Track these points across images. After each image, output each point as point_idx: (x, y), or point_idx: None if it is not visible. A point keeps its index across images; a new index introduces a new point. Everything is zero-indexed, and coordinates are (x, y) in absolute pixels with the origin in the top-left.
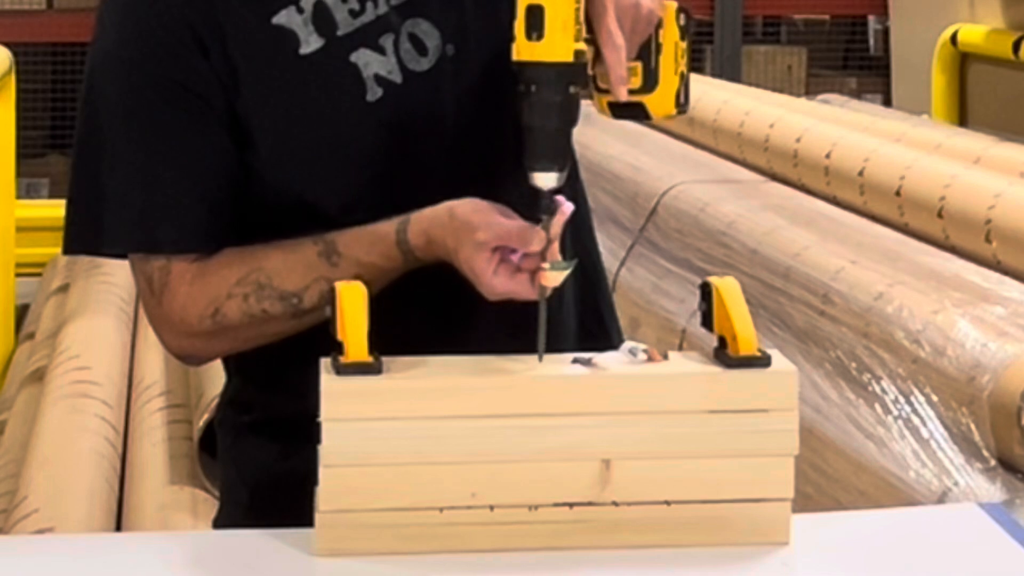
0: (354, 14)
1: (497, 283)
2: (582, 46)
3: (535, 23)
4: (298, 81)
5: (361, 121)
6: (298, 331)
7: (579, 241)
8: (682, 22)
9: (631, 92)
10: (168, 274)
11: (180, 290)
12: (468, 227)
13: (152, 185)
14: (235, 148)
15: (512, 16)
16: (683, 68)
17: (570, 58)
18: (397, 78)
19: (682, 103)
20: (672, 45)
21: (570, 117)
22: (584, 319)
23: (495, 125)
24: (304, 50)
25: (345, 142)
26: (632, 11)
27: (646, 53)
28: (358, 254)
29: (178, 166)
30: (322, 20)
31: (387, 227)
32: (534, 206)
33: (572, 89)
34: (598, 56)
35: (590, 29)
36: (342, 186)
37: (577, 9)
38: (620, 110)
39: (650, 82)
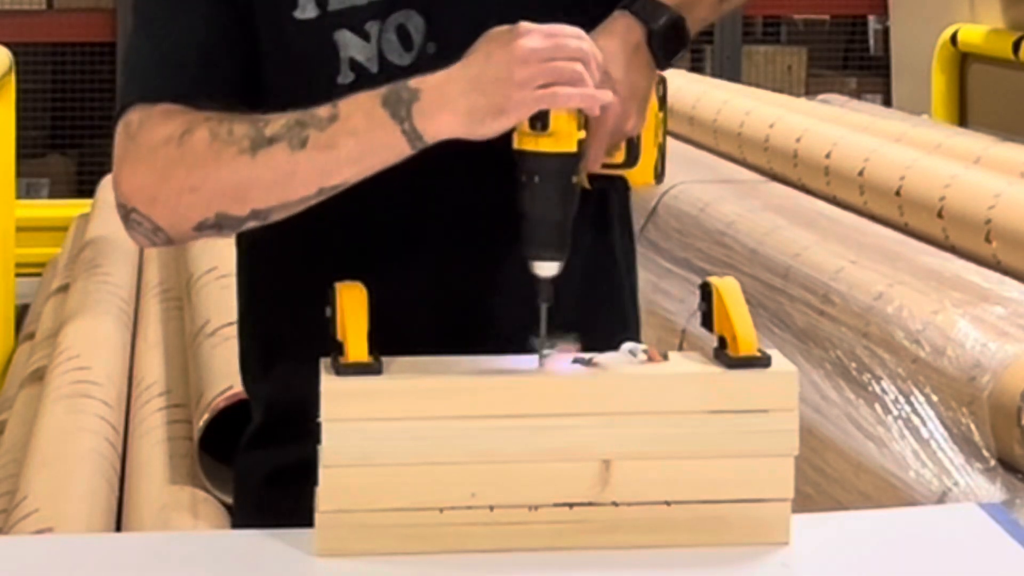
0: None
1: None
2: (583, 134)
3: (540, 115)
4: (285, 42)
5: (331, 99)
6: (256, 194)
7: (618, 281)
8: (660, 93)
9: (613, 167)
10: (151, 115)
11: (157, 121)
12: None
13: (161, 48)
14: (243, 33)
15: (502, 15)
16: (661, 139)
17: (573, 148)
18: (373, 67)
19: (659, 173)
20: (652, 117)
21: (571, 207)
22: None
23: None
24: (299, 15)
25: None
26: (623, 121)
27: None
28: (343, 104)
29: (189, 33)
30: None
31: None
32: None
33: (574, 179)
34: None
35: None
36: None
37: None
38: (599, 181)
39: (632, 157)
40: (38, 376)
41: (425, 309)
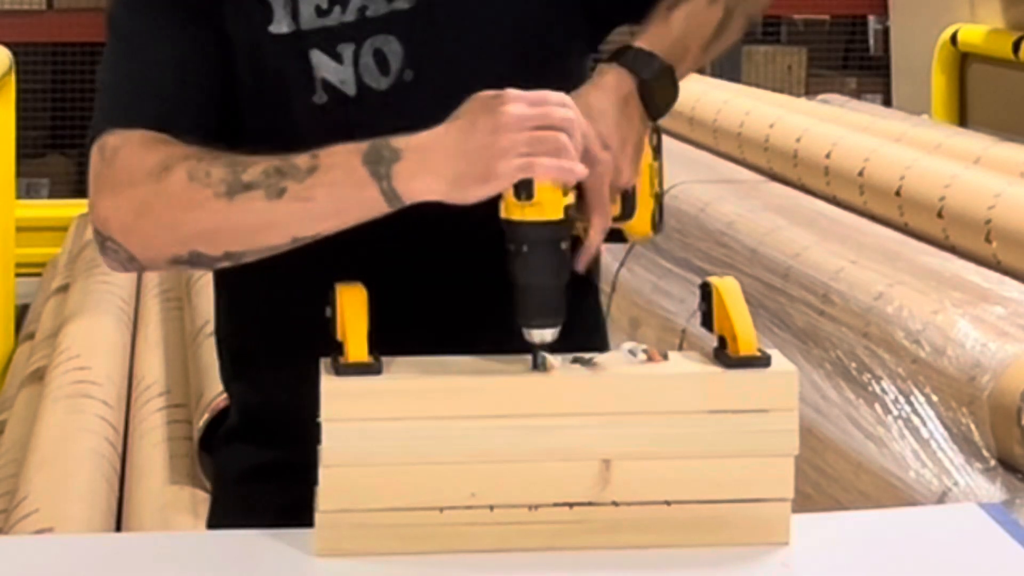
0: (320, 12)
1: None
2: (570, 200)
3: (524, 185)
4: (260, 57)
5: (307, 119)
6: (231, 239)
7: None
8: (655, 142)
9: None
10: (128, 141)
11: (135, 151)
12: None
13: (138, 71)
14: (220, 53)
15: (480, 49)
16: (657, 189)
17: (559, 215)
18: (350, 90)
19: (657, 223)
20: (647, 168)
21: (562, 273)
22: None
23: None
24: (274, 29)
25: (288, 134)
26: (616, 177)
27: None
28: (324, 155)
29: (166, 56)
30: (295, 6)
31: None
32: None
33: (563, 245)
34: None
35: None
36: None
37: None
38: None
39: (628, 210)
40: (38, 376)
41: (398, 320)
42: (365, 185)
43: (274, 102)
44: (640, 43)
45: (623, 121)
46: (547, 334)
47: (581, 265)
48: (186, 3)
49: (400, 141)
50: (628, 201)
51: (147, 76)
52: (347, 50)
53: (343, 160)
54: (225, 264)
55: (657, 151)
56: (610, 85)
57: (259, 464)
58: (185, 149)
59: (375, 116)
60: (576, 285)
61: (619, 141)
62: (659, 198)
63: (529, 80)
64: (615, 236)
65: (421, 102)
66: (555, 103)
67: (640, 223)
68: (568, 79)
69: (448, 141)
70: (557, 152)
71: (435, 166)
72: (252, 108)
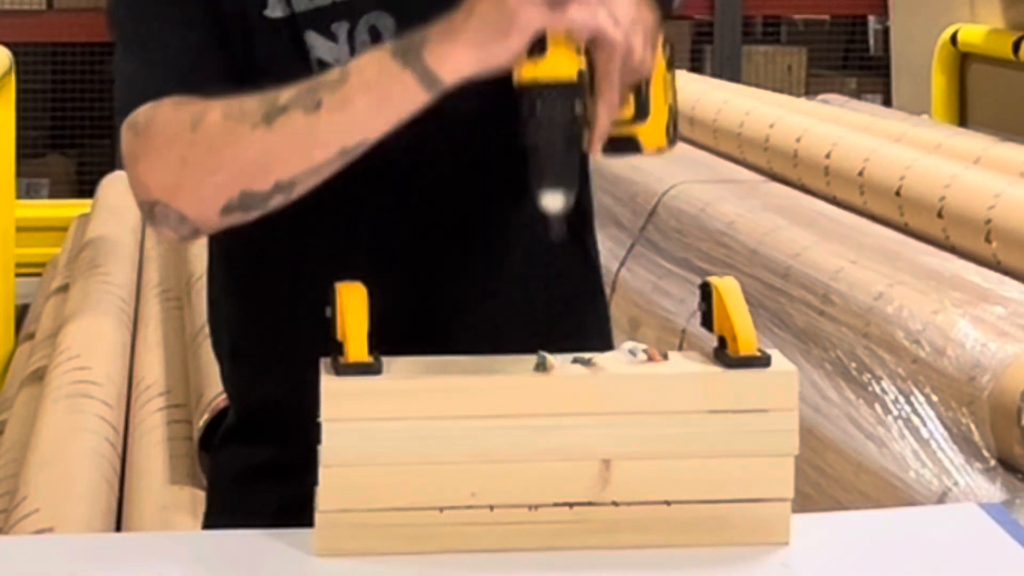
0: None
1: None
2: (583, 62)
3: (537, 42)
4: (255, 42)
5: None
6: (274, 166)
7: (581, 241)
8: (668, 55)
9: (622, 123)
10: (159, 108)
11: (167, 113)
12: None
13: (156, 55)
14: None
15: None
16: (671, 101)
17: (573, 76)
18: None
19: (672, 136)
20: (660, 77)
21: (575, 138)
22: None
23: (450, 133)
24: (268, 13)
25: None
26: (629, 57)
27: (639, 85)
28: (353, 64)
29: (180, 40)
30: None
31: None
32: (496, 220)
33: (577, 109)
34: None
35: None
36: None
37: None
38: (610, 144)
39: (642, 112)
40: (38, 376)
41: (388, 321)
42: (400, 75)
43: (269, 85)
44: None
45: (634, 1)
46: (558, 199)
47: (593, 148)
48: None
49: (424, 29)
50: (641, 101)
51: (163, 57)
52: (341, 29)
53: (374, 59)
54: (278, 200)
55: (670, 64)
56: None
57: (257, 464)
58: (217, 100)
59: None
60: (583, 290)
61: (630, 21)
62: (673, 111)
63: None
64: (630, 146)
65: None
66: None
67: (655, 131)
68: None
69: (467, 13)
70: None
71: (462, 37)
72: (248, 90)
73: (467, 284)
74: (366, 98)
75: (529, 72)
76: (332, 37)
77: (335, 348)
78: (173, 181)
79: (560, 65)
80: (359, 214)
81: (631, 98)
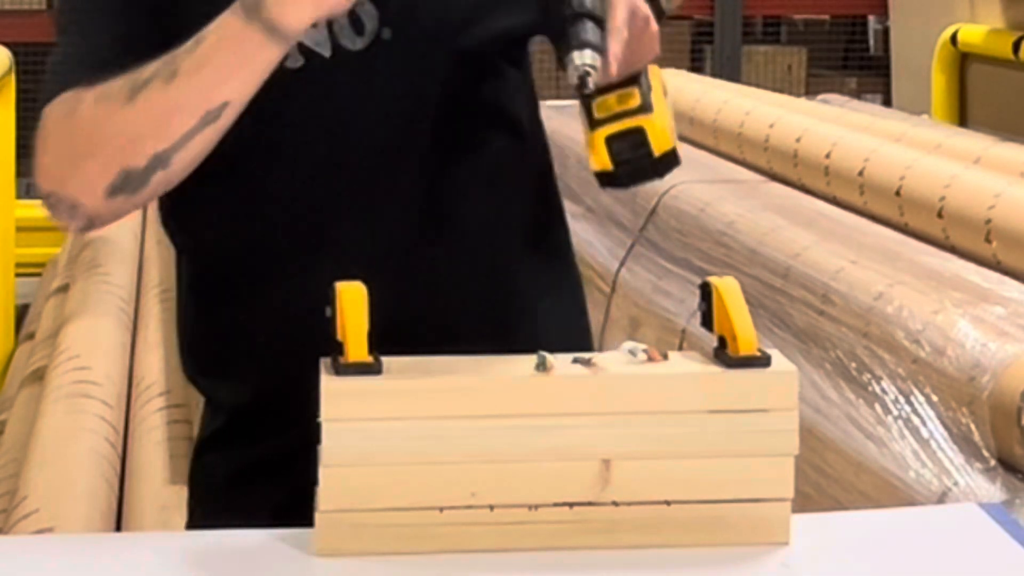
0: None
1: None
2: None
3: None
4: None
5: (285, 84)
6: (142, 140)
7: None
8: (661, 78)
9: (629, 113)
10: (52, 106)
11: (56, 108)
12: None
13: (75, 46)
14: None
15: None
16: (670, 112)
17: None
18: (325, 51)
19: (672, 134)
20: (659, 85)
21: (605, 5)
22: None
23: (431, 115)
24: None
25: (264, 103)
26: (642, 24)
27: (641, 79)
28: (207, 29)
29: (100, 29)
30: None
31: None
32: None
33: None
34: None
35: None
36: (254, 142)
37: None
38: (618, 141)
39: (646, 103)
40: (38, 376)
41: (397, 321)
42: (246, 31)
43: None
44: None
45: None
46: (586, 55)
47: (611, 69)
48: None
49: None
50: (644, 96)
51: (82, 52)
52: None
53: (224, 21)
54: (160, 176)
55: (663, 86)
56: None
57: (249, 464)
58: (94, 86)
59: (352, 76)
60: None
61: None
62: (670, 111)
63: (493, 25)
64: (638, 140)
65: (398, 60)
66: None
67: (660, 129)
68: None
69: None
70: None
71: None
72: None
73: (464, 284)
74: (218, 58)
75: None
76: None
77: (335, 348)
78: (59, 171)
79: None
80: (348, 213)
81: (635, 91)
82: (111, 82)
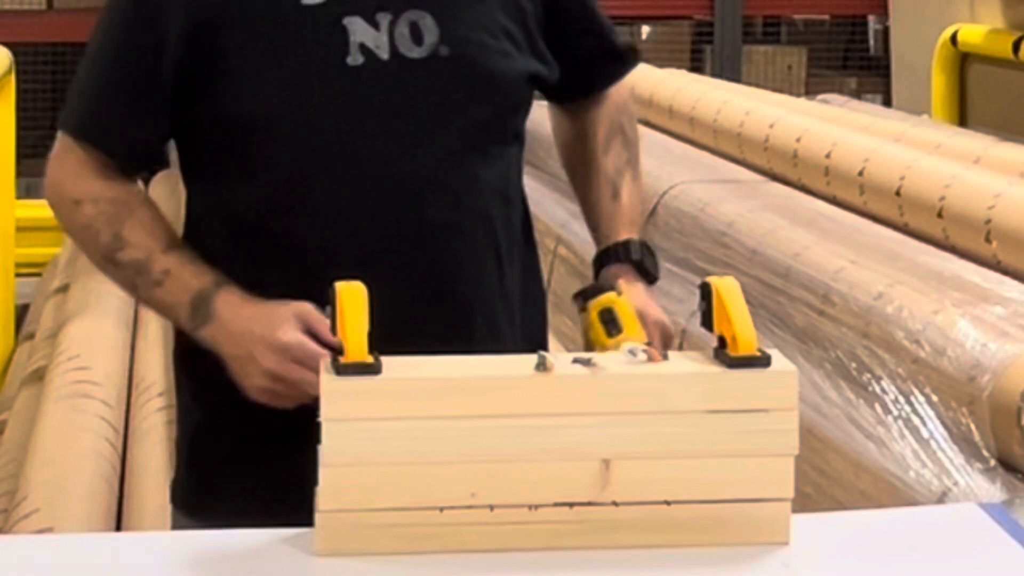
0: None
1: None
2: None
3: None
4: (294, 27)
5: (337, 80)
6: (103, 270)
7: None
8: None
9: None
10: (67, 154)
11: (70, 170)
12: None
13: (99, 76)
14: (173, 84)
15: (498, 26)
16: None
17: None
18: (384, 55)
19: None
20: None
21: None
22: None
23: (471, 125)
24: (305, 1)
25: (316, 96)
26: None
27: None
28: (171, 278)
29: (127, 82)
30: None
31: (204, 279)
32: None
33: None
34: None
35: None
36: (300, 134)
37: None
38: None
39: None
40: (38, 376)
41: (397, 322)
42: (183, 318)
43: (306, 64)
44: (628, 235)
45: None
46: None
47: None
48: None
49: (222, 307)
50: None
51: (106, 91)
52: (384, 19)
53: (180, 296)
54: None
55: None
56: (642, 289)
57: (255, 439)
58: (100, 190)
59: (405, 79)
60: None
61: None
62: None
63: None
64: None
65: (447, 74)
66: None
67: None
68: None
69: (235, 346)
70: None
71: (223, 348)
72: (280, 72)
73: (463, 287)
74: (158, 307)
75: None
76: (375, 25)
77: (335, 348)
78: (54, 205)
79: None
80: (345, 228)
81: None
82: (103, 223)
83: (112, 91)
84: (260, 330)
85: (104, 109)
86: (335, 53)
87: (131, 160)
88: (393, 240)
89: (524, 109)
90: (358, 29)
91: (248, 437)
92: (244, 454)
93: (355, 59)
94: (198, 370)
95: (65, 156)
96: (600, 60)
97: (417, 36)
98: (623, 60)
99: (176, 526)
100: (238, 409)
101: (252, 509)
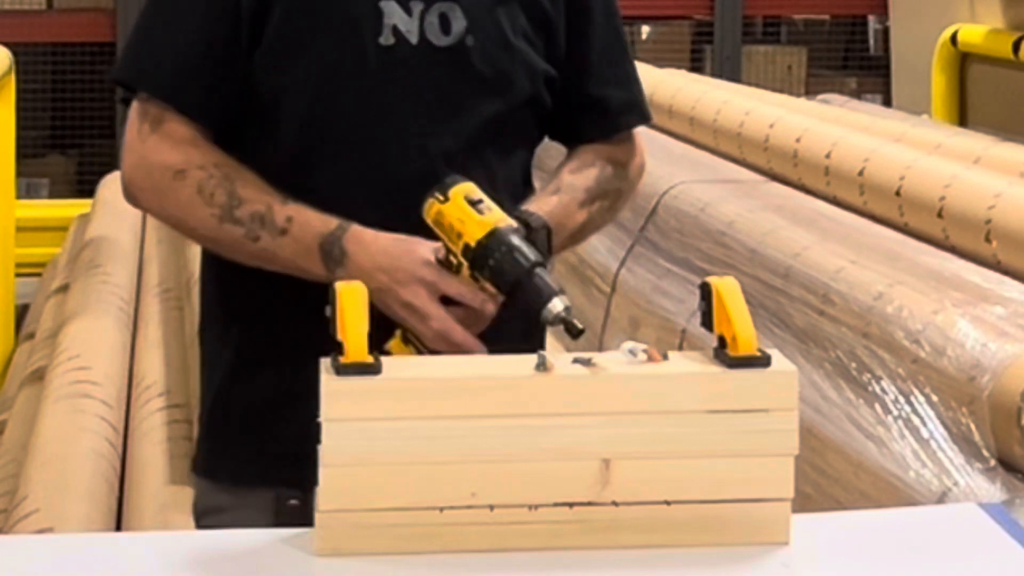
0: None
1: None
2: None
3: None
4: (332, 7)
5: (369, 56)
6: (215, 246)
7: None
8: None
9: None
10: (161, 124)
11: (163, 145)
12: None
13: (173, 35)
14: (247, 45)
15: (520, 28)
16: None
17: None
18: (413, 39)
19: None
20: None
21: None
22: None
23: (490, 116)
24: None
25: (347, 72)
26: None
27: None
28: (296, 224)
29: (216, 48)
30: None
31: (329, 222)
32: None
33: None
34: None
35: None
36: (328, 105)
37: None
38: None
39: None
40: (38, 376)
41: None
42: (316, 264)
43: (341, 40)
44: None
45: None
46: (557, 304)
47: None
48: None
49: (350, 243)
50: None
51: (183, 51)
52: (417, 6)
53: (307, 239)
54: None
55: None
56: None
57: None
58: (202, 156)
59: (431, 63)
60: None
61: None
62: None
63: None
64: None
65: (472, 63)
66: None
67: None
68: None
69: (374, 276)
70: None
71: (363, 276)
72: (317, 45)
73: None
74: (286, 260)
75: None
76: (408, 11)
77: (335, 348)
78: (145, 193)
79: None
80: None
81: None
82: (216, 183)
83: (200, 57)
84: (391, 263)
85: (196, 76)
86: (370, 31)
87: (221, 126)
88: (408, 221)
89: (540, 109)
90: (393, 12)
91: (278, 385)
92: (274, 401)
93: (387, 39)
94: (239, 310)
95: (153, 129)
96: (609, 108)
97: (446, 26)
98: (627, 113)
99: (199, 494)
100: (276, 347)
101: (275, 465)
